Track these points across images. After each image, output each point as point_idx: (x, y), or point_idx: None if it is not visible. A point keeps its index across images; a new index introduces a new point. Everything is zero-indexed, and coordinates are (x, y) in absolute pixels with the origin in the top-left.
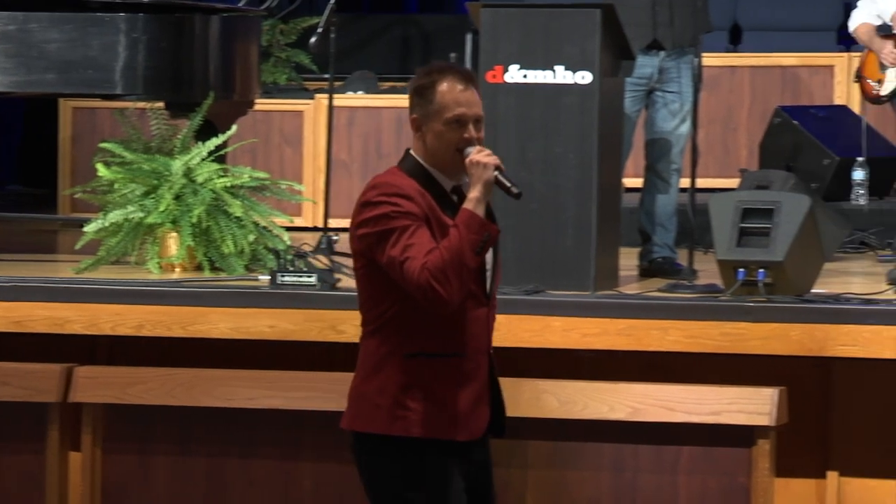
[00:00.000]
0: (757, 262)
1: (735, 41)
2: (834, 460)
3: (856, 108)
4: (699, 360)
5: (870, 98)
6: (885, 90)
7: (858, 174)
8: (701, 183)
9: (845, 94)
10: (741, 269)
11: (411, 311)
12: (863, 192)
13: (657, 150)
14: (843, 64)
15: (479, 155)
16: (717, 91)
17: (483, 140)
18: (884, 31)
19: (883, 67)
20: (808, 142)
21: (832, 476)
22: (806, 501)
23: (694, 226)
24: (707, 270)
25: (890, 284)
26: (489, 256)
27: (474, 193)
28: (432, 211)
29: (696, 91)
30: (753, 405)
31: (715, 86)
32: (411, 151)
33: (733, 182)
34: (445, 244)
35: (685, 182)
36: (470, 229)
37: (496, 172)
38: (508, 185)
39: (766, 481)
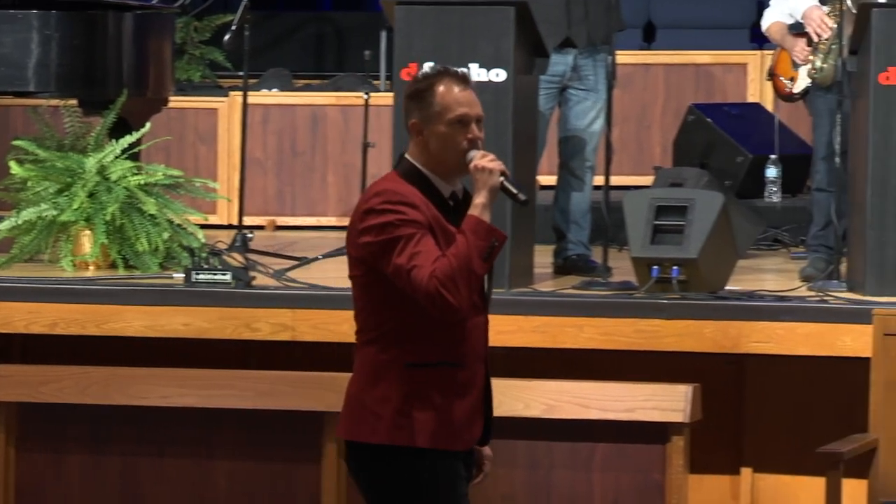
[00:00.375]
0: (671, 259)
1: (649, 39)
2: (748, 456)
3: (769, 105)
4: (614, 357)
5: (782, 96)
6: (797, 88)
7: (771, 171)
8: (615, 180)
9: (758, 91)
10: (655, 267)
11: (412, 320)
12: (776, 189)
13: (571, 147)
14: (756, 62)
15: (483, 160)
16: (632, 89)
17: (485, 140)
18: (796, 29)
19: (795, 65)
20: (721, 139)
21: (746, 472)
22: (720, 497)
23: (608, 223)
24: (621, 268)
25: (803, 281)
26: None
27: (480, 199)
28: (435, 219)
29: (610, 89)
30: (667, 402)
31: (629, 84)
32: (407, 156)
33: (647, 180)
34: (453, 251)
35: (599, 180)
36: (478, 236)
37: (502, 178)
38: (515, 191)
39: (680, 478)
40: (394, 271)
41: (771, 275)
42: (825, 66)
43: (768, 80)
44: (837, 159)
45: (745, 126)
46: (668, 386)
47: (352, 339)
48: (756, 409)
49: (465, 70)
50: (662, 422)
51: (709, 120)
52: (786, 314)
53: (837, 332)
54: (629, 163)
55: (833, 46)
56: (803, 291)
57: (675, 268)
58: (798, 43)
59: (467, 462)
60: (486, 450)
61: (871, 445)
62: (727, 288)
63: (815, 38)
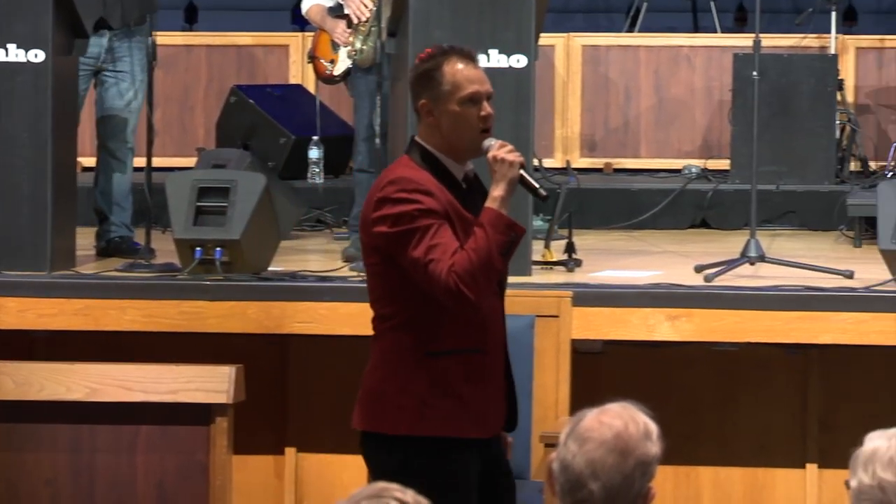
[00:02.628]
0: (213, 240)
1: (191, 20)
2: (291, 436)
3: (311, 87)
4: (157, 339)
5: (323, 78)
6: (337, 70)
7: (314, 153)
8: (158, 162)
9: (300, 73)
10: (198, 248)
11: (430, 308)
12: (318, 170)
13: (109, 129)
14: (297, 44)
15: (502, 151)
16: (174, 70)
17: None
18: (336, 11)
19: (336, 47)
20: (263, 121)
21: (290, 452)
22: (264, 477)
23: (150, 205)
24: (165, 250)
25: (345, 262)
26: None
27: (499, 192)
28: (451, 205)
29: (151, 70)
30: (211, 383)
31: (171, 65)
32: (418, 139)
33: (190, 161)
34: (472, 245)
35: (141, 161)
36: (497, 230)
37: (521, 171)
38: (536, 185)
39: (224, 458)
40: (411, 264)
41: (314, 255)
42: (365, 47)
43: (309, 62)
44: (378, 140)
45: (287, 108)
46: (211, 367)
47: None
48: (299, 389)
49: (470, 48)
50: (206, 403)
51: (251, 101)
52: (328, 294)
53: None
54: (172, 144)
55: (373, 28)
56: (346, 272)
57: (218, 249)
58: (338, 25)
59: (493, 448)
60: (508, 437)
61: None
62: (270, 269)
63: (356, 20)
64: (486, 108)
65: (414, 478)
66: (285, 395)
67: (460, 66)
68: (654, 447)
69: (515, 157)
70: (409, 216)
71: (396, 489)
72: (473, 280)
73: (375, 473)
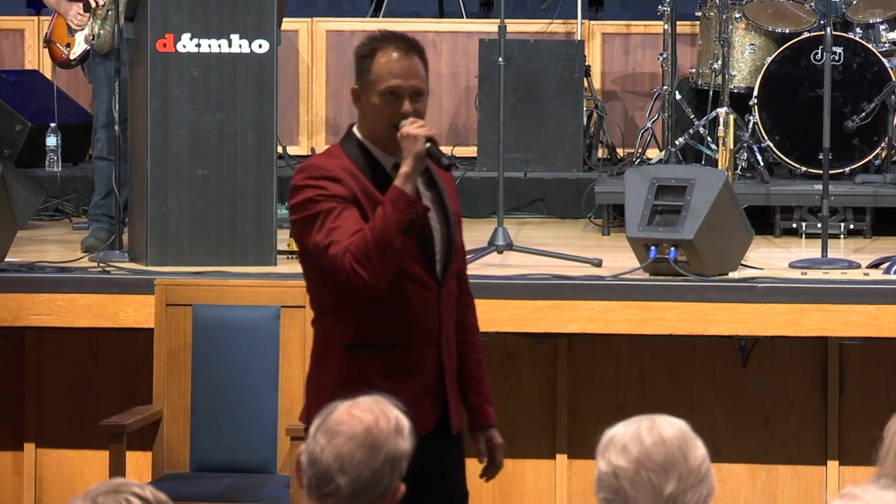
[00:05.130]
0: None
1: None
2: (29, 432)
3: (48, 73)
4: None
5: (60, 63)
6: (74, 54)
7: (52, 140)
8: None
9: (36, 59)
10: None
11: (349, 298)
12: (56, 158)
13: None
14: (33, 28)
15: (410, 127)
16: None
17: (423, 114)
18: None
19: (72, 31)
20: None
21: (29, 448)
22: (2, 473)
23: None
24: None
25: (85, 252)
26: (441, 236)
27: (404, 168)
28: (365, 192)
29: None
30: None
31: None
32: (353, 127)
33: None
34: (370, 224)
35: None
36: (396, 207)
37: (428, 144)
38: (438, 155)
39: None
40: (314, 248)
41: (52, 245)
42: (102, 31)
43: (45, 46)
44: (117, 127)
45: (23, 93)
46: None
47: None
48: (37, 383)
49: (416, 39)
50: None
51: None
52: (67, 285)
53: (120, 302)
54: None
55: (110, 12)
56: (85, 262)
57: None
58: (73, 8)
59: (434, 452)
60: (496, 437)
61: (155, 417)
62: (7, 260)
63: (93, 4)
64: (407, 106)
65: None
66: (22, 389)
67: (393, 56)
68: (405, 443)
69: (422, 130)
70: (311, 201)
71: (135, 484)
72: (368, 259)
73: None
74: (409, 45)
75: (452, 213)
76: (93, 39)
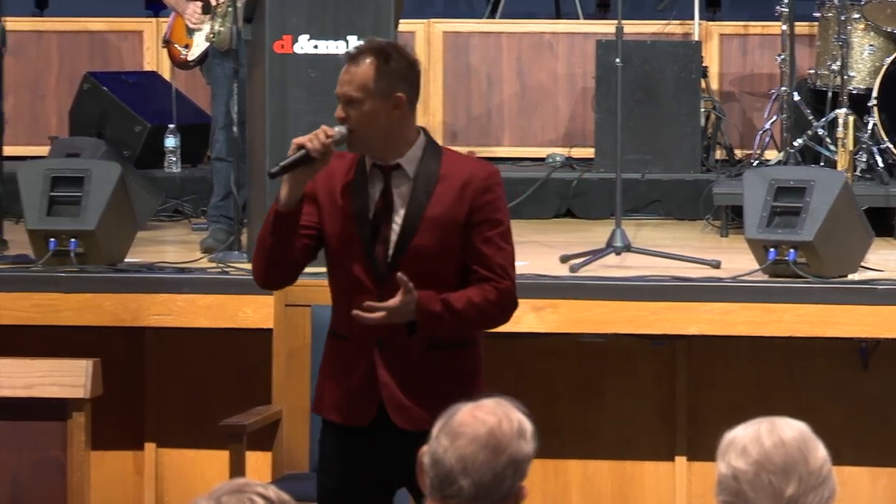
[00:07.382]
0: (68, 231)
1: (41, 5)
2: (150, 431)
3: (166, 74)
4: (11, 332)
5: (178, 63)
6: (192, 55)
7: (170, 141)
8: (9, 151)
9: (155, 59)
10: (52, 239)
11: (331, 288)
12: (175, 159)
13: None
14: (151, 29)
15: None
16: (24, 57)
17: (349, 120)
18: None
19: (191, 32)
20: (117, 108)
21: (150, 447)
22: (123, 473)
23: (2, 195)
24: (18, 241)
25: (203, 253)
26: (398, 238)
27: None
28: (329, 188)
29: (1, 57)
30: (67, 378)
31: (21, 51)
32: None
33: (43, 150)
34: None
35: None
36: (272, 209)
37: (302, 151)
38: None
39: (82, 455)
40: None
41: (172, 246)
42: (222, 29)
43: (164, 47)
44: (236, 128)
45: (142, 95)
46: (67, 361)
47: None
48: (157, 383)
49: (369, 47)
50: (62, 398)
51: (105, 88)
52: (186, 286)
53: (238, 303)
54: (24, 133)
55: (229, 10)
56: (204, 263)
57: (73, 240)
58: (190, 7)
59: (385, 441)
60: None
61: (274, 417)
62: (127, 260)
63: (214, 2)
64: (338, 111)
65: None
66: (143, 389)
67: (344, 65)
68: (528, 446)
69: (299, 139)
70: None
71: (259, 484)
72: (255, 260)
73: None
74: (356, 53)
75: (428, 218)
76: (213, 37)
